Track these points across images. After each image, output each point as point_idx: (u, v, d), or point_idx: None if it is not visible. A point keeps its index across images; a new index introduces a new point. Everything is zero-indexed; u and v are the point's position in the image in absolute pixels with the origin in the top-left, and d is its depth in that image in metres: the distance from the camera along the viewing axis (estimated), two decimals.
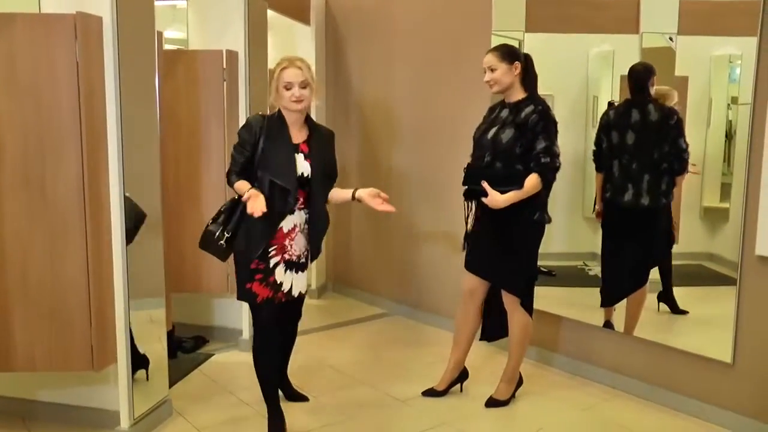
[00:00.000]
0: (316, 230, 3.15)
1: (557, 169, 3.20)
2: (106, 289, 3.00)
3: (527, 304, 3.43)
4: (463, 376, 3.66)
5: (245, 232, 3.02)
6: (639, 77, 3.69)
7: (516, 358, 3.50)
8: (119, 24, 2.88)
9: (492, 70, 3.27)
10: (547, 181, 3.20)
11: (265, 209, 2.82)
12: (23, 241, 2.89)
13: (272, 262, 3.05)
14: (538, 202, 3.23)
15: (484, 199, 3.19)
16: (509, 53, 3.28)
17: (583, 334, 3.96)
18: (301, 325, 4.79)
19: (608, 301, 3.88)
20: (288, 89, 2.97)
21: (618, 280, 3.85)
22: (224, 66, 4.06)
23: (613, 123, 3.78)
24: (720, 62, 3.69)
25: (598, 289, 3.96)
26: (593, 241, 4.49)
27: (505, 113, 3.30)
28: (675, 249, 3.71)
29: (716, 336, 3.41)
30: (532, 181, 3.16)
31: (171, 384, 3.50)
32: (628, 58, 3.98)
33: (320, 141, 3.13)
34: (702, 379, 3.41)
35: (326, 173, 3.13)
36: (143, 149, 3.12)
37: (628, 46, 3.93)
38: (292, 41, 5.43)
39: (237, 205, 3.05)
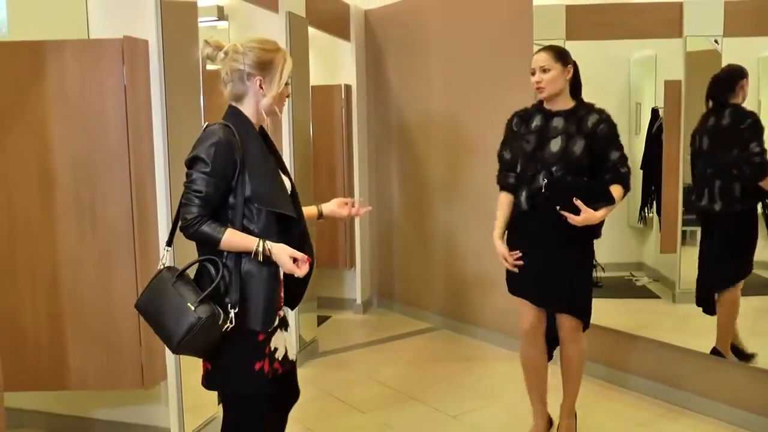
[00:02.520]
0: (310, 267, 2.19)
1: (630, 176, 3.01)
2: None
3: (587, 326, 3.11)
4: (549, 423, 3.28)
5: (253, 299, 2.10)
6: (717, 85, 3.56)
7: (577, 389, 3.17)
8: (164, 46, 2.95)
9: (544, 71, 2.93)
10: (627, 191, 2.97)
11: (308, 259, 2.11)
12: (75, 263, 2.96)
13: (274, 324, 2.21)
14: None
15: (573, 219, 2.81)
16: (563, 54, 2.96)
17: (633, 347, 3.87)
18: (348, 340, 4.86)
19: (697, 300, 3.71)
20: (286, 86, 2.23)
21: (701, 281, 3.69)
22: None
23: (696, 128, 3.68)
24: None
25: (646, 300, 3.87)
26: (639, 250, 4.41)
27: (558, 123, 2.95)
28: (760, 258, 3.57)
29: None
30: (619, 193, 2.91)
31: (220, 401, 3.52)
32: (671, 62, 3.91)
33: (273, 146, 2.31)
34: (765, 393, 3.29)
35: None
36: None
37: (671, 51, 3.87)
38: (333, 57, 5.47)
39: (231, 265, 2.09)
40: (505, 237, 3.10)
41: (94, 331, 2.98)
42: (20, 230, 2.96)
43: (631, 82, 4.36)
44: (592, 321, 3.47)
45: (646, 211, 4.26)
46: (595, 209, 2.81)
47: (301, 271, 2.07)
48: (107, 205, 2.92)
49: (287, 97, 2.26)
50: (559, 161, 2.90)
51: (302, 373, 4.16)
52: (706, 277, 3.66)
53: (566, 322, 3.05)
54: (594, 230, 2.93)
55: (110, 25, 3.01)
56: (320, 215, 2.47)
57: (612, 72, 4.36)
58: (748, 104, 3.57)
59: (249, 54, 2.16)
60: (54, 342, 2.99)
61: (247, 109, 2.21)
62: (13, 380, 3.01)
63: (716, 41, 3.63)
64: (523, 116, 3.09)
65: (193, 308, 2.00)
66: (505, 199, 3.11)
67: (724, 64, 3.60)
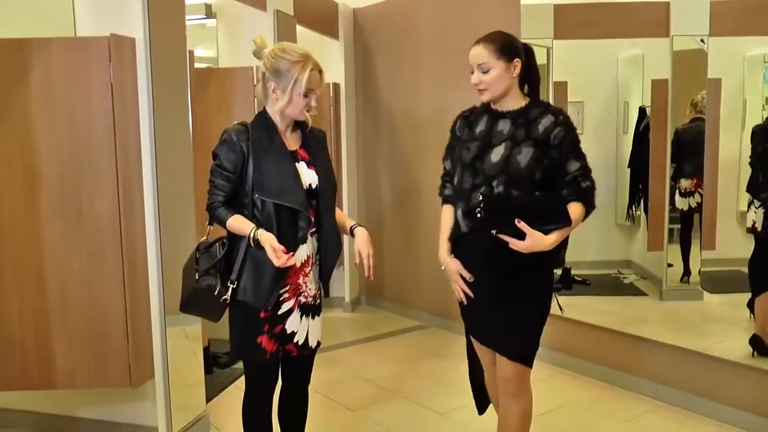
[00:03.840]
0: (329, 258, 2.52)
1: (595, 191, 2.40)
2: (142, 307, 3.04)
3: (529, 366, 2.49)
4: None
5: (252, 277, 2.33)
6: None
7: None
8: (152, 44, 2.93)
9: (484, 71, 2.42)
10: (591, 209, 2.37)
11: (291, 255, 2.24)
12: (61, 262, 2.94)
13: (284, 307, 2.38)
14: (565, 241, 2.38)
15: (516, 245, 2.24)
16: (507, 47, 2.40)
17: (622, 344, 3.89)
18: (337, 339, 4.86)
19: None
20: (306, 96, 2.34)
21: (756, 278, 3.58)
22: (255, 82, 4.09)
23: (760, 128, 3.60)
24: (754, 63, 3.64)
25: (633, 297, 3.88)
26: (627, 248, 4.44)
27: (505, 126, 2.39)
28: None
29: None
30: (578, 213, 2.32)
31: (208, 399, 3.51)
32: (658, 61, 3.94)
33: (318, 143, 2.50)
34: (751, 390, 3.31)
35: (332, 181, 2.49)
36: (177, 168, 3.15)
37: (659, 50, 3.90)
38: (321, 56, 5.45)
39: (234, 246, 2.36)
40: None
41: (81, 330, 2.96)
42: (6, 229, 2.93)
43: (618, 80, 4.39)
44: (580, 318, 3.42)
45: (633, 209, 4.29)
46: (546, 232, 2.25)
47: (278, 261, 2.20)
48: (94, 203, 2.91)
49: (307, 106, 2.36)
50: (501, 174, 2.33)
51: None
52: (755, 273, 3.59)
53: (507, 370, 2.44)
54: (547, 255, 2.30)
55: (97, 22, 2.99)
56: (351, 232, 2.59)
57: (600, 71, 4.39)
58: (735, 103, 3.60)
59: (272, 60, 2.33)
60: (41, 341, 2.97)
61: (270, 109, 2.39)
62: (0, 380, 3.01)
63: (702, 41, 3.66)
64: (468, 117, 2.60)
65: (197, 277, 2.32)
66: (448, 212, 2.64)
67: (710, 63, 3.63)
